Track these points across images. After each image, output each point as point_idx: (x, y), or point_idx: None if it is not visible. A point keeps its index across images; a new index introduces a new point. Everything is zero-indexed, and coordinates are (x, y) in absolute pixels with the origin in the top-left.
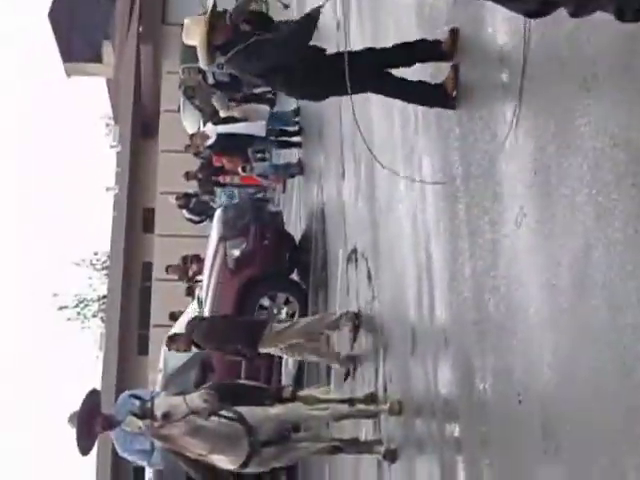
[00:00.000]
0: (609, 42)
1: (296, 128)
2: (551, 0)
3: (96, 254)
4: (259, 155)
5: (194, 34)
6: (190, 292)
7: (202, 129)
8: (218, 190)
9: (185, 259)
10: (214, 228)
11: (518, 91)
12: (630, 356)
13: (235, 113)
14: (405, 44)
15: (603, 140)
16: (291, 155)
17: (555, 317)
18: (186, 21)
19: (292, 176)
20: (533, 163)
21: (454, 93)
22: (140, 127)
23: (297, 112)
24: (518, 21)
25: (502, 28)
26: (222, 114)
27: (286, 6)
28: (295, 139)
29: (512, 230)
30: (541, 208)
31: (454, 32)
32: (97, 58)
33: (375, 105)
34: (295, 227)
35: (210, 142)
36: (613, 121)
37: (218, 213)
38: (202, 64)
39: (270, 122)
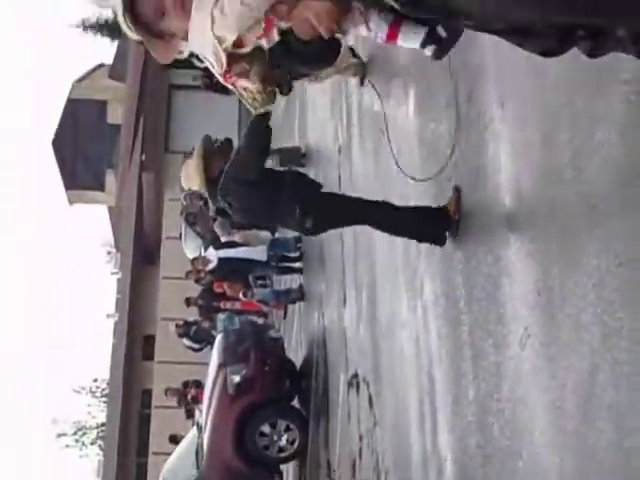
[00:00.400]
0: (611, 164)
1: (297, 254)
2: (568, 37)
3: (95, 381)
4: (260, 281)
5: (193, 179)
6: (190, 414)
7: (203, 254)
8: (218, 316)
9: (186, 384)
10: (214, 354)
11: (520, 213)
12: (637, 479)
13: (236, 238)
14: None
15: (607, 259)
16: (292, 281)
17: (560, 439)
18: (183, 170)
19: (293, 302)
20: (536, 284)
21: (456, 217)
22: (141, 254)
23: (299, 239)
24: (517, 146)
25: (504, 152)
26: (223, 239)
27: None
28: (296, 265)
29: (516, 352)
30: (545, 329)
31: (457, 190)
32: (100, 187)
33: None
34: (296, 353)
35: (211, 267)
36: (618, 239)
37: (218, 339)
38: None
39: (271, 248)
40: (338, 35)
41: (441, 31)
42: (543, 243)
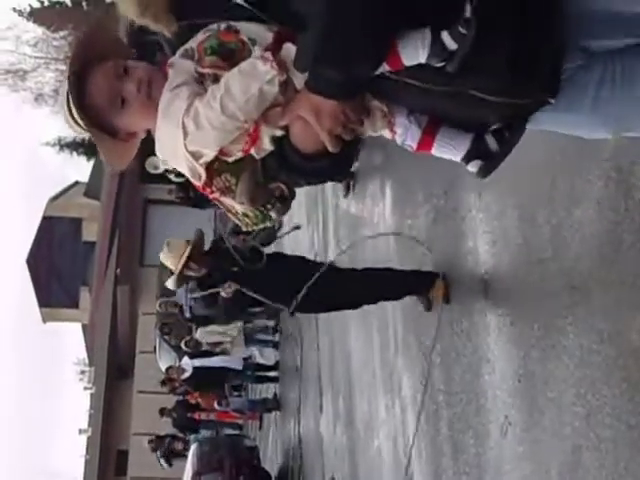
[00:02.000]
0: (591, 241)
1: (272, 362)
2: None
3: None
4: (235, 392)
5: (174, 257)
6: None
7: (178, 364)
8: (191, 437)
9: None
10: (189, 462)
11: (499, 299)
12: None
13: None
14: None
15: (589, 337)
16: (268, 390)
17: None
18: (166, 246)
19: (269, 411)
20: (517, 370)
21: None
22: (115, 369)
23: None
24: (496, 234)
25: (482, 243)
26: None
27: (297, 227)
28: (272, 374)
29: (497, 441)
30: (527, 415)
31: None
32: (74, 304)
33: (354, 329)
34: (272, 463)
35: (187, 375)
36: (599, 316)
37: (193, 447)
38: (170, 285)
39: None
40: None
41: (491, 141)
42: (523, 326)
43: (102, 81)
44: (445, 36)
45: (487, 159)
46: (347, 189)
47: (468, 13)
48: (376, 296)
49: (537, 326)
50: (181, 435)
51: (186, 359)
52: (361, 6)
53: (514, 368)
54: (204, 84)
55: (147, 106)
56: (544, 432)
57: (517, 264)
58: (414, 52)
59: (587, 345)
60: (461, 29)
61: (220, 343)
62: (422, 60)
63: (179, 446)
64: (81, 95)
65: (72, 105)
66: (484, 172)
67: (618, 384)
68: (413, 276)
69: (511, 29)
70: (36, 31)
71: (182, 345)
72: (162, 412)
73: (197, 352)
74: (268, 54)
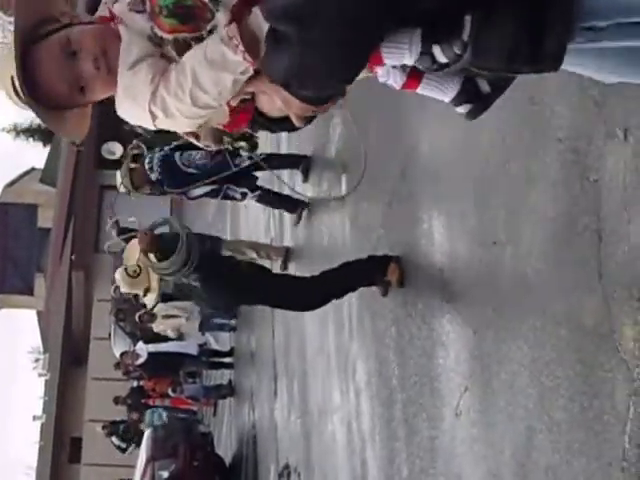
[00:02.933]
0: (547, 225)
1: (228, 349)
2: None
3: None
4: (190, 378)
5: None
6: None
7: (132, 349)
8: (147, 412)
9: None
10: (142, 448)
11: (455, 282)
12: None
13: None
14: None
15: (544, 318)
16: (222, 377)
17: None
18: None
19: (223, 398)
20: (471, 352)
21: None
22: (70, 355)
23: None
24: (451, 217)
25: (438, 226)
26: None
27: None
28: (227, 360)
29: (450, 424)
30: (481, 397)
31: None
32: (29, 291)
33: (309, 315)
34: (226, 449)
35: (141, 361)
36: (554, 298)
37: (147, 433)
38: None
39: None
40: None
41: (482, 83)
42: (478, 308)
43: (52, 67)
44: (437, 51)
45: (477, 101)
46: (299, 218)
47: (466, 35)
48: (341, 290)
49: (492, 308)
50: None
51: (140, 344)
52: (343, 22)
53: (469, 350)
54: (162, 47)
55: (108, 81)
56: (498, 414)
57: (472, 247)
58: (399, 58)
59: (541, 326)
60: (456, 50)
61: (175, 316)
62: (407, 63)
63: (135, 416)
64: (29, 84)
65: (22, 94)
66: (473, 114)
67: (572, 365)
68: (369, 263)
69: (512, 24)
70: None
71: (136, 318)
72: (117, 400)
73: (151, 336)
74: (237, 40)
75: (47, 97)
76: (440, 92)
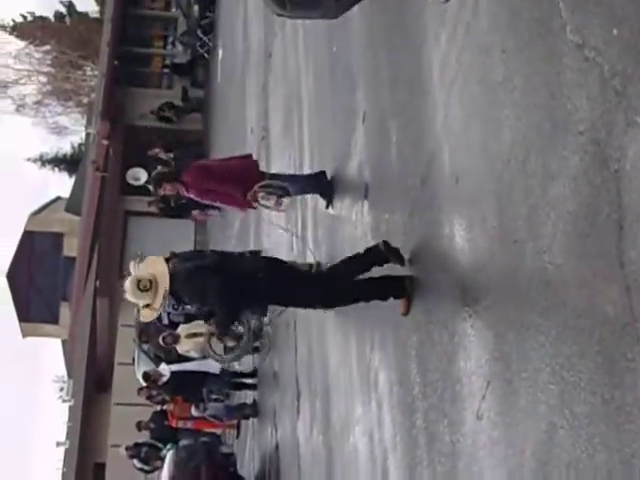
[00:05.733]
0: (567, 218)
1: (251, 370)
2: None
3: None
4: (214, 396)
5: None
6: None
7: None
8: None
9: None
10: (165, 470)
11: (476, 284)
12: None
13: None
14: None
15: (565, 313)
16: (246, 396)
17: None
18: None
19: (246, 418)
20: (492, 354)
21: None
22: (94, 381)
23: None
24: (474, 230)
25: (458, 234)
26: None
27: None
28: (250, 381)
29: (472, 428)
30: (503, 397)
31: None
32: (54, 320)
33: (331, 328)
34: (248, 470)
35: (164, 380)
36: (574, 291)
37: (170, 454)
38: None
39: None
40: None
41: None
42: (499, 310)
43: None
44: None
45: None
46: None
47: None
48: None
49: (512, 308)
50: (159, 445)
51: (163, 365)
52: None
53: (489, 352)
54: None
55: None
56: (519, 414)
57: (493, 249)
58: None
59: (562, 321)
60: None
61: (199, 335)
62: None
63: (154, 460)
64: None
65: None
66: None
67: (593, 358)
68: (381, 284)
69: None
70: (18, 44)
71: (160, 340)
72: (139, 426)
73: (174, 357)
74: None
75: None
76: None
